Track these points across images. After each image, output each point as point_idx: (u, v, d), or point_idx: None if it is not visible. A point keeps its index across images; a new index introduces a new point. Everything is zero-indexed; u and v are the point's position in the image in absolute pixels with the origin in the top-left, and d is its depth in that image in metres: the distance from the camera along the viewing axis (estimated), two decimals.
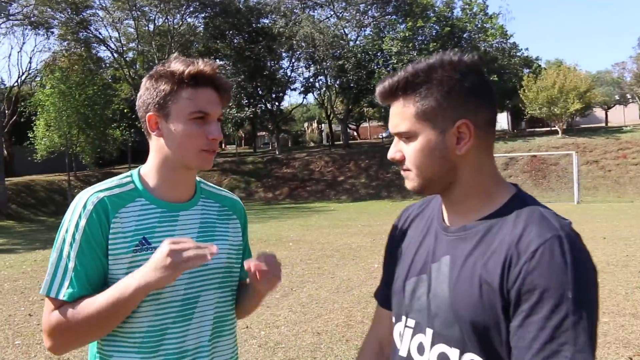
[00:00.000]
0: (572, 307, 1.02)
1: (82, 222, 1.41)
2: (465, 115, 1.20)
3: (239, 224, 1.69)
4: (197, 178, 1.63)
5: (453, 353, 1.17)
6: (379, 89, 1.28)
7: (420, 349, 1.25)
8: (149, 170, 1.54)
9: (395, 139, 1.29)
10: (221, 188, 1.75)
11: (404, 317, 1.32)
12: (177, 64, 1.45)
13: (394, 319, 1.38)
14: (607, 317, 6.10)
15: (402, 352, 1.30)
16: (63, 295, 1.39)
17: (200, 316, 1.49)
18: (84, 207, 1.43)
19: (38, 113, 30.71)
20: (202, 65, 1.45)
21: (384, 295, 1.48)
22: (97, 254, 1.41)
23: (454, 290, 1.18)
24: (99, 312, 1.35)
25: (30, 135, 31.19)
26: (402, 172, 1.29)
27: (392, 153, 1.29)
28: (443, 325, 1.19)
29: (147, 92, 1.49)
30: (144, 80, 1.52)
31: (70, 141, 30.37)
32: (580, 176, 27.02)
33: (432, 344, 1.22)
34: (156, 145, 1.51)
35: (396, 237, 1.47)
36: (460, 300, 1.15)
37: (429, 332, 1.23)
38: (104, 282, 1.43)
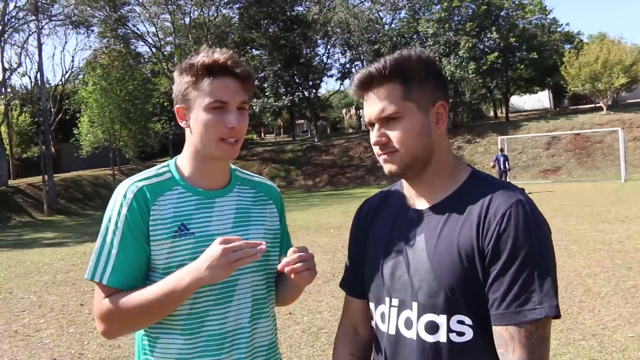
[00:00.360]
0: (537, 261, 1.20)
1: (124, 211, 1.48)
2: (440, 97, 1.37)
3: (275, 208, 1.72)
4: (233, 166, 1.68)
5: (441, 319, 1.27)
6: (360, 77, 1.35)
7: (408, 324, 1.33)
8: (183, 160, 1.59)
9: (376, 125, 1.36)
10: (256, 174, 1.78)
11: (387, 299, 1.39)
12: (198, 56, 1.49)
13: (373, 303, 1.45)
14: None
15: (391, 331, 1.37)
16: (106, 280, 1.46)
17: (239, 299, 1.54)
18: (124, 196, 1.49)
19: (82, 110, 31.57)
20: (216, 54, 1.48)
21: (351, 285, 1.56)
22: (140, 241, 1.48)
23: (434, 261, 1.29)
24: (151, 302, 1.42)
25: (75, 131, 32.13)
26: (385, 156, 1.36)
27: (378, 137, 1.35)
28: (428, 296, 1.29)
29: (175, 86, 1.55)
30: (174, 73, 1.58)
31: (113, 136, 31.12)
32: (627, 153, 26.16)
33: (419, 316, 1.30)
34: (187, 136, 1.57)
35: (362, 228, 1.53)
36: (443, 268, 1.27)
37: (414, 305, 1.31)
38: (148, 267, 1.51)
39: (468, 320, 1.26)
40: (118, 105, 30.33)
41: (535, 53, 35.66)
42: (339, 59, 45.61)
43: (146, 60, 44.47)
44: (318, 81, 45.05)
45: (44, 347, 5.60)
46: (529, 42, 36.66)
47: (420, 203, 1.41)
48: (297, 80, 43.66)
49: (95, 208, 28.14)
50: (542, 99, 51.39)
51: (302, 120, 57.60)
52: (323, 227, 14.24)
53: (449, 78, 33.80)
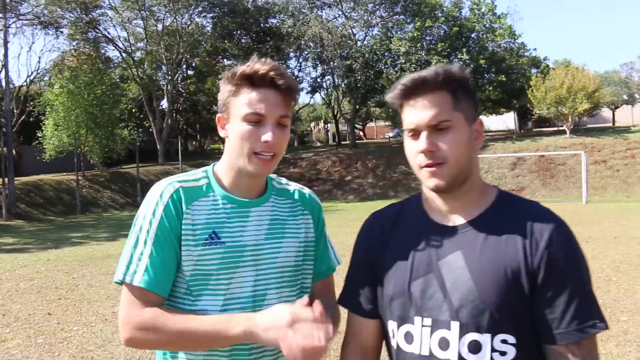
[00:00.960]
0: (586, 279, 1.27)
1: (159, 210, 1.44)
2: (477, 114, 1.38)
3: (311, 219, 1.67)
4: (270, 175, 1.63)
5: (484, 338, 1.26)
6: (411, 82, 1.31)
7: (443, 344, 1.29)
8: (221, 168, 1.56)
9: (426, 132, 1.30)
10: (291, 182, 1.73)
11: (417, 318, 1.34)
12: (242, 65, 1.45)
13: (394, 322, 1.40)
14: (625, 316, 6.11)
15: (423, 352, 1.32)
16: (139, 282, 1.40)
17: None
18: (161, 196, 1.46)
19: (47, 113, 30.82)
20: (258, 64, 1.42)
21: (364, 305, 1.48)
22: (173, 243, 1.43)
23: (478, 279, 1.27)
24: (194, 334, 1.36)
25: (39, 134, 31.32)
26: (432, 169, 1.31)
27: (428, 145, 1.30)
28: (471, 315, 1.26)
29: (220, 93, 1.51)
30: (220, 81, 1.54)
31: (79, 141, 30.47)
32: (588, 176, 26.92)
33: (461, 335, 1.27)
34: (225, 145, 1.53)
35: (378, 247, 1.47)
36: (488, 287, 1.26)
37: (455, 325, 1.28)
38: (177, 271, 1.46)
39: (512, 339, 1.26)
40: (85, 109, 29.74)
41: (503, 76, 36.47)
42: (310, 73, 45.81)
43: (116, 65, 43.84)
44: None
45: (11, 358, 5.39)
46: (498, 64, 37.46)
47: (452, 219, 1.38)
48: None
49: (58, 214, 27.44)
50: (507, 120, 52.56)
51: None
52: None
53: None
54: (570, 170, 29.68)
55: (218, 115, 1.53)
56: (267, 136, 1.42)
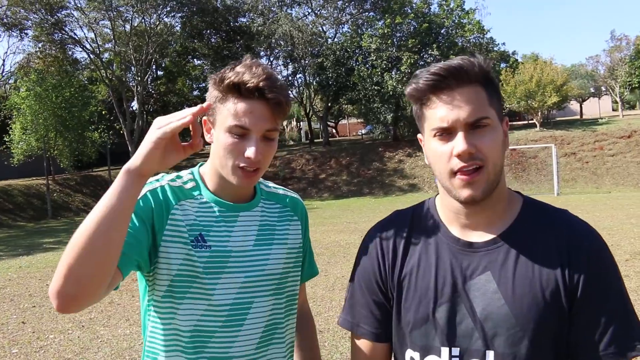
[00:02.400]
0: (625, 296, 1.15)
1: (144, 190, 1.38)
2: (503, 112, 1.22)
3: (299, 224, 1.62)
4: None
5: None
6: (451, 68, 1.12)
7: None
8: (206, 172, 1.50)
9: (461, 133, 1.12)
10: (279, 186, 1.68)
11: (444, 349, 1.20)
12: (233, 69, 1.36)
13: (416, 353, 1.25)
14: None
15: None
16: None
17: (251, 323, 1.43)
18: (150, 183, 1.42)
19: (14, 116, 30.13)
20: (247, 75, 1.32)
21: (376, 331, 1.33)
22: (146, 226, 1.35)
23: (514, 305, 1.13)
24: (92, 219, 1.15)
25: (5, 139, 30.60)
26: (468, 177, 1.13)
27: (467, 145, 1.11)
28: (509, 344, 1.14)
29: (208, 94, 1.43)
30: (209, 81, 1.44)
31: (48, 144, 29.88)
32: (559, 168, 27.41)
33: None
34: (212, 150, 1.46)
35: (390, 266, 1.31)
36: (526, 312, 1.13)
37: (490, 354, 1.15)
38: (148, 258, 1.37)
39: None
40: (53, 112, 29.09)
41: None
42: (281, 71, 45.60)
43: (84, 66, 43.09)
44: None
45: None
46: None
47: (477, 234, 1.22)
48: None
49: (28, 219, 26.90)
50: None
51: None
52: None
53: (390, 93, 34.51)
54: (541, 163, 30.18)
55: (204, 117, 1.44)
56: (250, 152, 1.34)
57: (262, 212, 1.53)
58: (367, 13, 40.83)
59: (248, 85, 1.31)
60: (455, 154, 1.12)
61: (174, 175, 1.50)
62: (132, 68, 40.54)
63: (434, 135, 1.16)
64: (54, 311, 7.46)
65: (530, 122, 39.48)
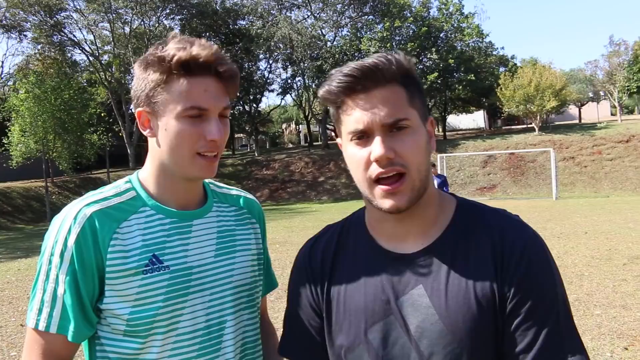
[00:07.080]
0: (562, 302, 1.04)
1: (71, 239, 1.17)
2: (428, 112, 1.12)
3: (259, 227, 1.45)
4: (205, 180, 1.40)
5: None
6: (364, 68, 1.03)
7: None
8: (147, 176, 1.30)
9: (378, 137, 1.02)
10: (231, 187, 1.51)
11: None
12: (169, 47, 1.18)
13: None
14: (599, 310, 6.23)
15: None
16: (55, 328, 1.17)
17: (228, 345, 1.28)
18: (74, 220, 1.19)
19: (12, 118, 30.12)
20: (196, 48, 1.16)
21: (304, 352, 1.23)
22: (92, 279, 1.18)
23: (449, 320, 1.03)
24: None
25: (4, 141, 30.59)
26: (389, 187, 1.04)
27: (385, 149, 1.02)
28: None
29: (137, 83, 1.23)
30: (134, 66, 1.25)
31: (47, 147, 29.85)
32: (557, 172, 27.47)
33: None
34: (151, 147, 1.27)
35: (319, 283, 1.20)
36: (462, 327, 1.03)
37: None
38: (96, 315, 1.21)
39: None
40: (52, 114, 29.07)
41: (472, 75, 37.00)
42: (280, 74, 45.78)
43: (83, 68, 43.13)
44: (259, 95, 45.03)
45: None
46: (467, 63, 37.97)
47: (407, 245, 1.11)
48: (237, 94, 43.42)
49: (27, 222, 26.90)
50: (477, 119, 53.28)
51: (242, 135, 57.35)
52: (268, 243, 14.00)
53: None
54: (540, 167, 30.24)
55: (139, 109, 1.23)
56: (213, 134, 1.18)
57: (217, 218, 1.35)
58: (366, 16, 40.93)
59: (201, 60, 1.16)
60: (372, 159, 1.03)
61: (107, 190, 1.28)
62: (131, 70, 40.62)
63: (351, 140, 1.06)
64: None
65: (529, 126, 39.59)
